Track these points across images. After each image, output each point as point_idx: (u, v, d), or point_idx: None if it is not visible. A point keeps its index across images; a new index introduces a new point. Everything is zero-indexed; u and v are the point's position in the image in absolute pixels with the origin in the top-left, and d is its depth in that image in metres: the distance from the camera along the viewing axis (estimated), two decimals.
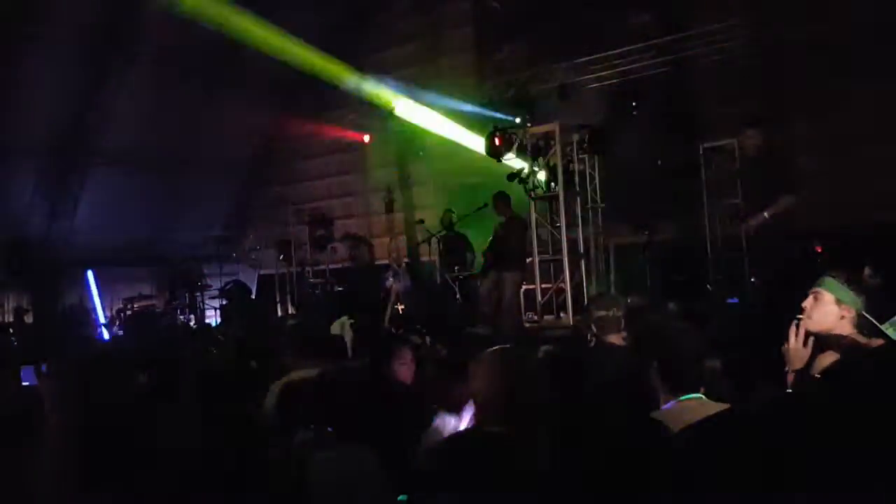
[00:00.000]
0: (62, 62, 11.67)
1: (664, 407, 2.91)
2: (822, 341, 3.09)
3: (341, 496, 2.69)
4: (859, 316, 3.13)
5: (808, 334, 3.12)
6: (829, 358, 2.99)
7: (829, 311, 3.16)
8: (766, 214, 6.75)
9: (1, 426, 1.96)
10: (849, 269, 3.31)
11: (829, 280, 3.21)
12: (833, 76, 9.56)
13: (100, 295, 13.25)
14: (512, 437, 2.40)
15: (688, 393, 2.89)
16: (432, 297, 10.54)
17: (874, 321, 3.08)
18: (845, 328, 3.12)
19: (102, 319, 12.87)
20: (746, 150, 7.83)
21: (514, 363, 2.87)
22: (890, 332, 2.96)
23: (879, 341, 3.03)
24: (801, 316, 3.20)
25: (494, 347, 3.17)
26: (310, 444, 2.79)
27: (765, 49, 9.99)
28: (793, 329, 3.15)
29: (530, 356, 3.59)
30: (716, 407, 2.93)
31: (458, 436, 3.05)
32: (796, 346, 3.12)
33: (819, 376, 2.82)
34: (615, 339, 4.58)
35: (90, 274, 13.18)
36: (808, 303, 3.23)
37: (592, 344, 4.87)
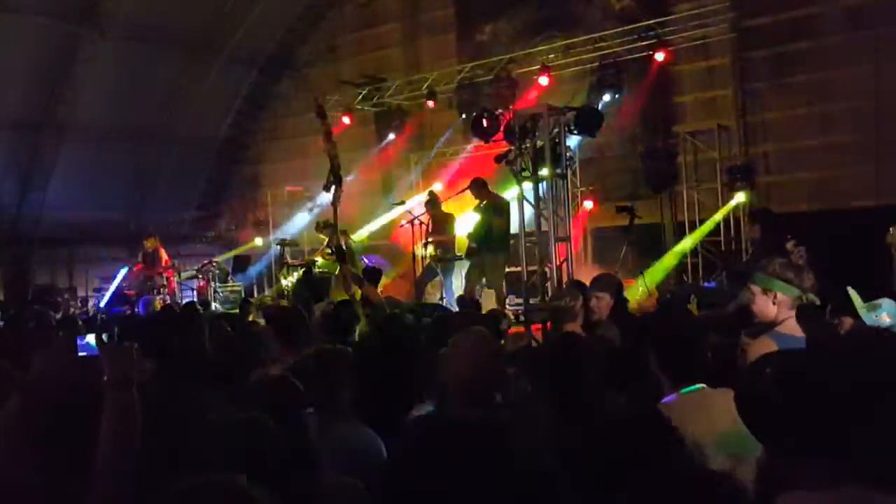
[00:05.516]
0: (34, 36, 11.37)
1: (665, 400, 2.81)
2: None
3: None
4: (798, 298, 3.18)
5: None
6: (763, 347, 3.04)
7: (761, 302, 3.24)
8: None
9: (55, 395, 1.91)
10: (777, 252, 3.37)
11: (755, 274, 3.29)
12: (807, 62, 9.75)
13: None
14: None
15: (689, 385, 2.80)
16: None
17: (856, 301, 3.16)
18: (784, 311, 3.18)
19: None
20: None
21: (484, 348, 2.85)
22: (863, 313, 3.05)
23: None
24: None
25: (464, 332, 3.11)
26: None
27: (743, 33, 10.10)
28: None
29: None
30: (720, 396, 2.85)
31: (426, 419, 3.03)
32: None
33: None
34: (572, 327, 4.68)
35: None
36: (748, 300, 3.33)
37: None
